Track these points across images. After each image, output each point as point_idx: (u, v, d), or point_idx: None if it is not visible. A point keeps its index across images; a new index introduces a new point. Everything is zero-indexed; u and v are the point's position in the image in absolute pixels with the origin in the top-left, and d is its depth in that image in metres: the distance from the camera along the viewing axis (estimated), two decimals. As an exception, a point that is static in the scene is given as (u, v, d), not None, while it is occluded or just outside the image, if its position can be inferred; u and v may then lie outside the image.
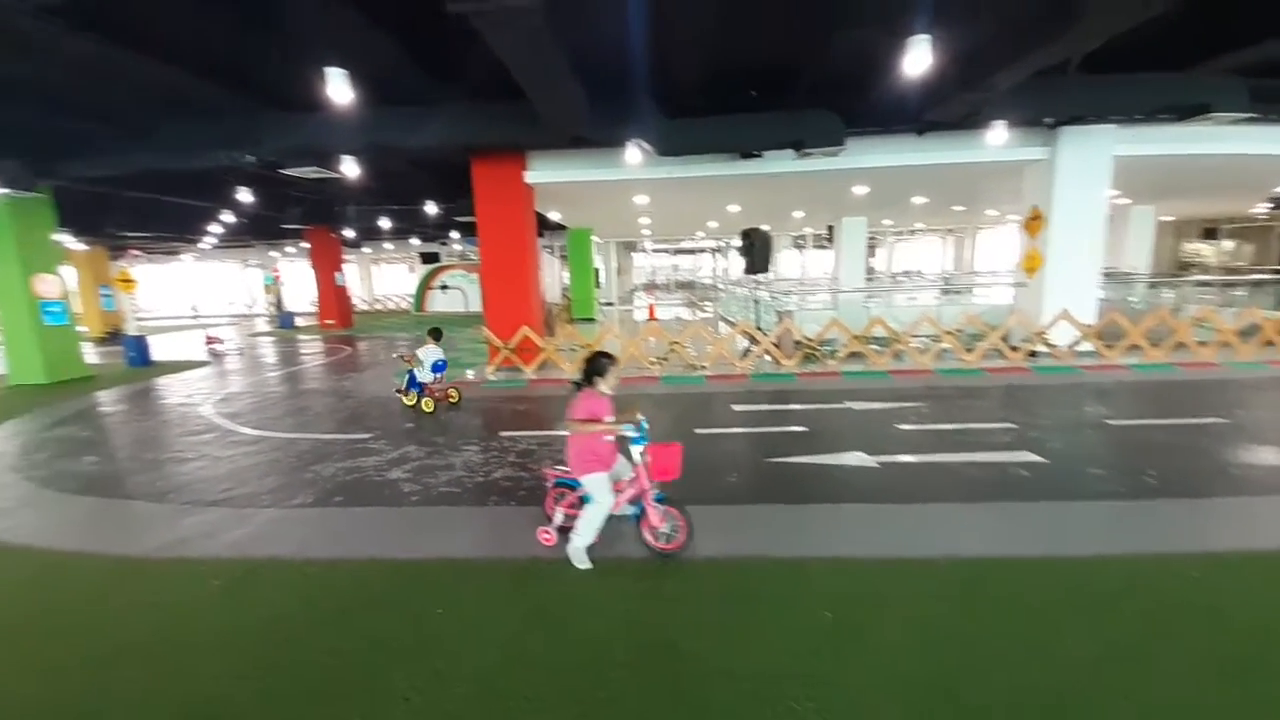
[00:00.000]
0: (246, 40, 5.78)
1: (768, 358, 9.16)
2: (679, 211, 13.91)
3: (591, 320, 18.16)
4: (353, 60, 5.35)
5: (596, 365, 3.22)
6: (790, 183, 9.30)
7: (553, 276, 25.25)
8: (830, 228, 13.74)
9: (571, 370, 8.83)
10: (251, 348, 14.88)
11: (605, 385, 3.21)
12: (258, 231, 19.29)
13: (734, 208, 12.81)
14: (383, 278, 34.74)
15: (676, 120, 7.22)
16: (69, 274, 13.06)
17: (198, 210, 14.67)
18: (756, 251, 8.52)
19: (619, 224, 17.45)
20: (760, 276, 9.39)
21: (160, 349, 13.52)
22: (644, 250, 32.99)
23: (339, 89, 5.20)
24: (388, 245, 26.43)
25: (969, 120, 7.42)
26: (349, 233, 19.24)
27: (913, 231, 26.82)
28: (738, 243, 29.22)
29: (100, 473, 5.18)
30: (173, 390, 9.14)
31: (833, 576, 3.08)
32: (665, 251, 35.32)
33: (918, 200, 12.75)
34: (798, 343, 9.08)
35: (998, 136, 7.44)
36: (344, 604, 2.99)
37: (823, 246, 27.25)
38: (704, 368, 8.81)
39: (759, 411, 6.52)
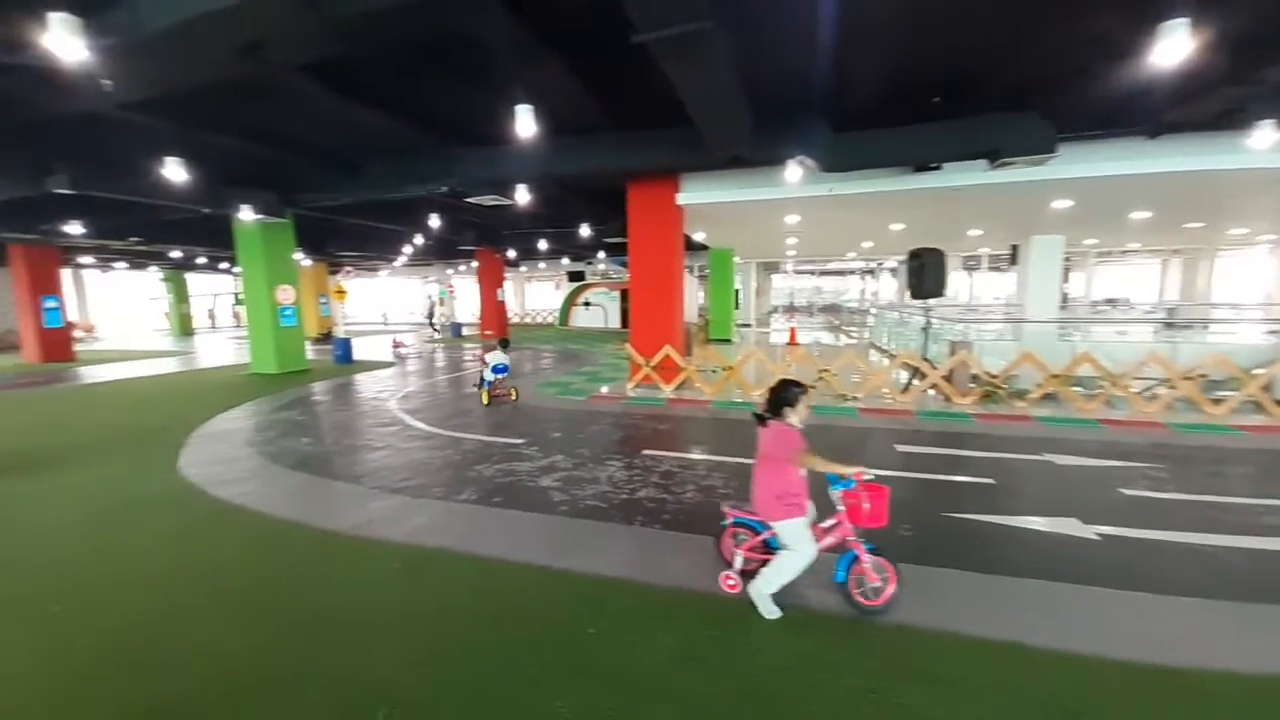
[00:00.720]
0: (448, 88, 6.59)
1: (934, 393, 8.14)
2: (833, 231, 13.15)
3: (728, 341, 17.85)
4: (539, 97, 5.79)
5: (786, 395, 2.88)
6: (973, 197, 8.26)
7: (691, 296, 25.42)
8: (1015, 248, 11.97)
9: (712, 392, 8.64)
10: (427, 353, 16.90)
11: (795, 417, 2.87)
12: (440, 252, 22.13)
13: (897, 226, 11.76)
14: (533, 294, 37.82)
15: (845, 134, 6.77)
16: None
17: (396, 234, 17.18)
18: (928, 273, 7.64)
19: (764, 244, 17.02)
20: (929, 301, 8.41)
21: (360, 350, 15.93)
22: (785, 271, 31.91)
23: (525, 124, 5.66)
24: (541, 264, 28.74)
25: (1225, 120, 6.01)
26: (511, 253, 21.21)
27: (1123, 252, 22.55)
28: (892, 264, 27.24)
29: (312, 453, 6.08)
30: (366, 386, 10.61)
31: (1066, 674, 2.47)
32: (808, 273, 33.81)
33: (1139, 215, 10.61)
34: (975, 378, 7.95)
35: (1265, 139, 5.89)
36: (503, 605, 3.07)
37: (998, 269, 24.11)
38: (855, 399, 8.08)
39: (928, 455, 5.74)
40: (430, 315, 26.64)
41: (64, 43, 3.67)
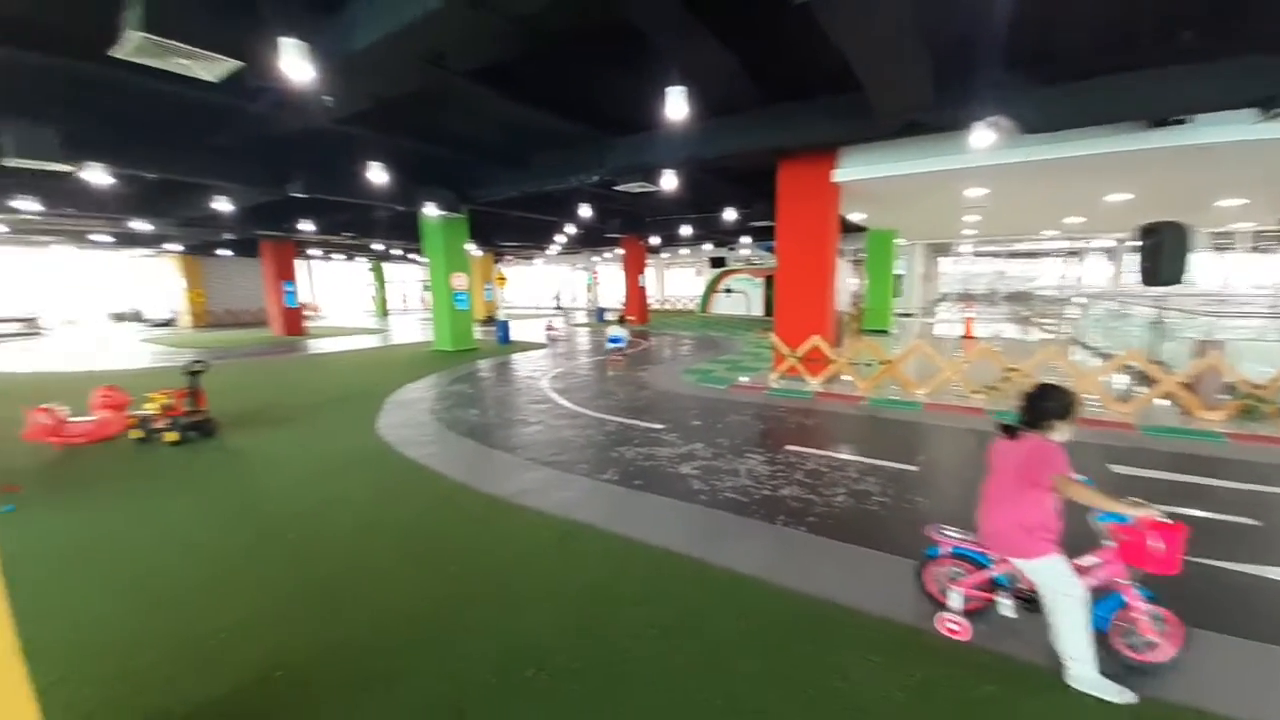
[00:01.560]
0: (603, 78, 6.74)
1: (1168, 404, 6.56)
2: (1029, 205, 11.19)
3: (885, 333, 16.28)
4: (691, 77, 5.66)
5: (1054, 403, 2.27)
6: (1231, 157, 6.42)
7: (843, 283, 23.67)
8: (1292, 221, 9.17)
9: (866, 388, 7.90)
10: (574, 336, 17.92)
11: (1063, 432, 2.28)
12: (587, 240, 23.26)
13: (1117, 197, 9.62)
14: (674, 280, 38.19)
15: (1053, 86, 5.62)
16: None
17: (550, 224, 18.37)
18: (1166, 253, 6.09)
19: (936, 224, 15.13)
20: (1161, 290, 6.75)
21: (517, 332, 17.41)
22: (959, 254, 28.19)
23: (676, 107, 5.57)
24: (683, 250, 28.85)
25: None
26: (654, 239, 21.55)
27: None
28: (1106, 243, 22.44)
29: (478, 423, 6.72)
30: (522, 365, 11.53)
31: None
32: (990, 255, 29.43)
33: None
34: (1229, 388, 6.24)
35: None
36: (645, 587, 3.07)
37: (1263, 249, 18.81)
38: (1050, 405, 6.80)
39: (1157, 481, 4.61)
40: (559, 302, 28.47)
41: (295, 65, 4.35)
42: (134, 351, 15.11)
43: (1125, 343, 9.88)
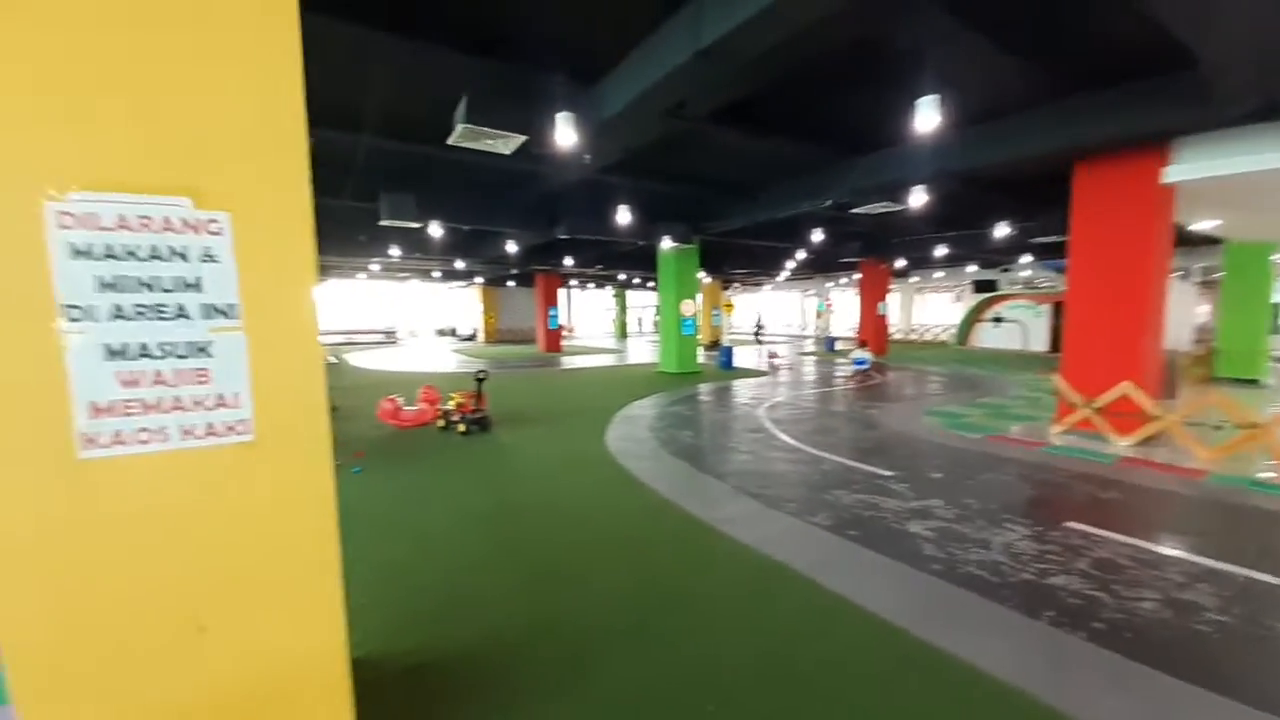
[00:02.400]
0: (840, 97, 6.41)
1: None
2: None
3: (1253, 382, 11.66)
4: (950, 83, 5.01)
5: None
6: None
7: (1181, 312, 17.79)
8: None
9: (1211, 459, 5.73)
10: (799, 364, 17.20)
11: None
12: (819, 265, 22.26)
13: None
14: (924, 307, 33.79)
15: None
16: (697, 300, 18.37)
17: (779, 250, 18.12)
18: None
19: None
20: None
21: (739, 357, 17.49)
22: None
23: (927, 118, 4.97)
24: (938, 273, 25.43)
25: None
26: (899, 262, 19.47)
27: None
28: None
29: (691, 444, 6.88)
30: (741, 392, 11.48)
31: None
32: None
33: None
34: None
35: None
36: (842, 651, 2.66)
37: None
38: None
39: None
40: (757, 330, 27.77)
41: (564, 134, 5.17)
42: (446, 359, 19.73)
43: None
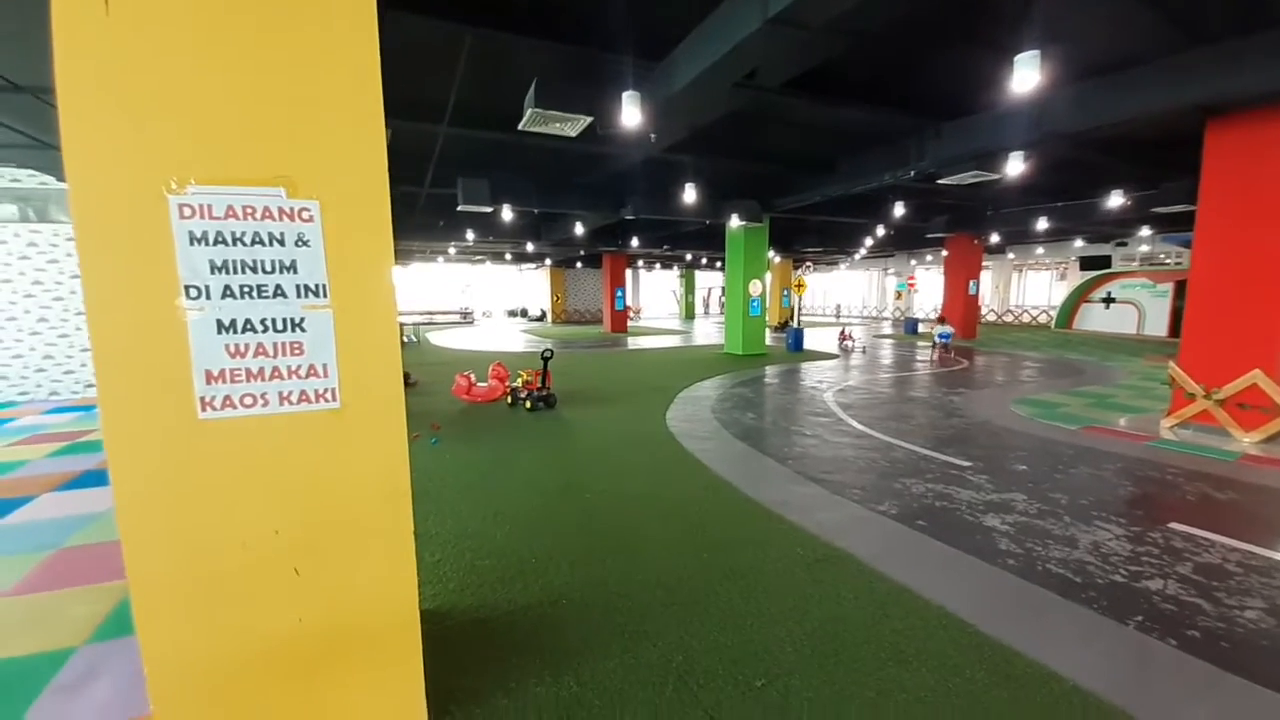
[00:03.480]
0: (925, 59, 5.96)
1: None
2: None
3: None
4: (1057, 35, 4.53)
5: None
6: None
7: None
8: None
9: (1361, 459, 4.96)
10: (874, 347, 16.42)
11: None
12: (901, 242, 20.99)
13: None
14: (1024, 286, 31.05)
15: None
16: (766, 280, 17.93)
17: (857, 226, 17.24)
18: None
19: None
20: None
21: (810, 340, 16.94)
22: None
23: (1027, 76, 4.52)
24: (1039, 249, 23.30)
25: None
26: (994, 237, 17.97)
27: None
28: None
29: (753, 426, 6.81)
30: (810, 375, 11.16)
31: None
32: None
33: None
34: None
35: None
36: (901, 643, 2.60)
37: None
38: None
39: None
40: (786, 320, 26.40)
41: (630, 114, 5.17)
42: (516, 338, 20.51)
43: None
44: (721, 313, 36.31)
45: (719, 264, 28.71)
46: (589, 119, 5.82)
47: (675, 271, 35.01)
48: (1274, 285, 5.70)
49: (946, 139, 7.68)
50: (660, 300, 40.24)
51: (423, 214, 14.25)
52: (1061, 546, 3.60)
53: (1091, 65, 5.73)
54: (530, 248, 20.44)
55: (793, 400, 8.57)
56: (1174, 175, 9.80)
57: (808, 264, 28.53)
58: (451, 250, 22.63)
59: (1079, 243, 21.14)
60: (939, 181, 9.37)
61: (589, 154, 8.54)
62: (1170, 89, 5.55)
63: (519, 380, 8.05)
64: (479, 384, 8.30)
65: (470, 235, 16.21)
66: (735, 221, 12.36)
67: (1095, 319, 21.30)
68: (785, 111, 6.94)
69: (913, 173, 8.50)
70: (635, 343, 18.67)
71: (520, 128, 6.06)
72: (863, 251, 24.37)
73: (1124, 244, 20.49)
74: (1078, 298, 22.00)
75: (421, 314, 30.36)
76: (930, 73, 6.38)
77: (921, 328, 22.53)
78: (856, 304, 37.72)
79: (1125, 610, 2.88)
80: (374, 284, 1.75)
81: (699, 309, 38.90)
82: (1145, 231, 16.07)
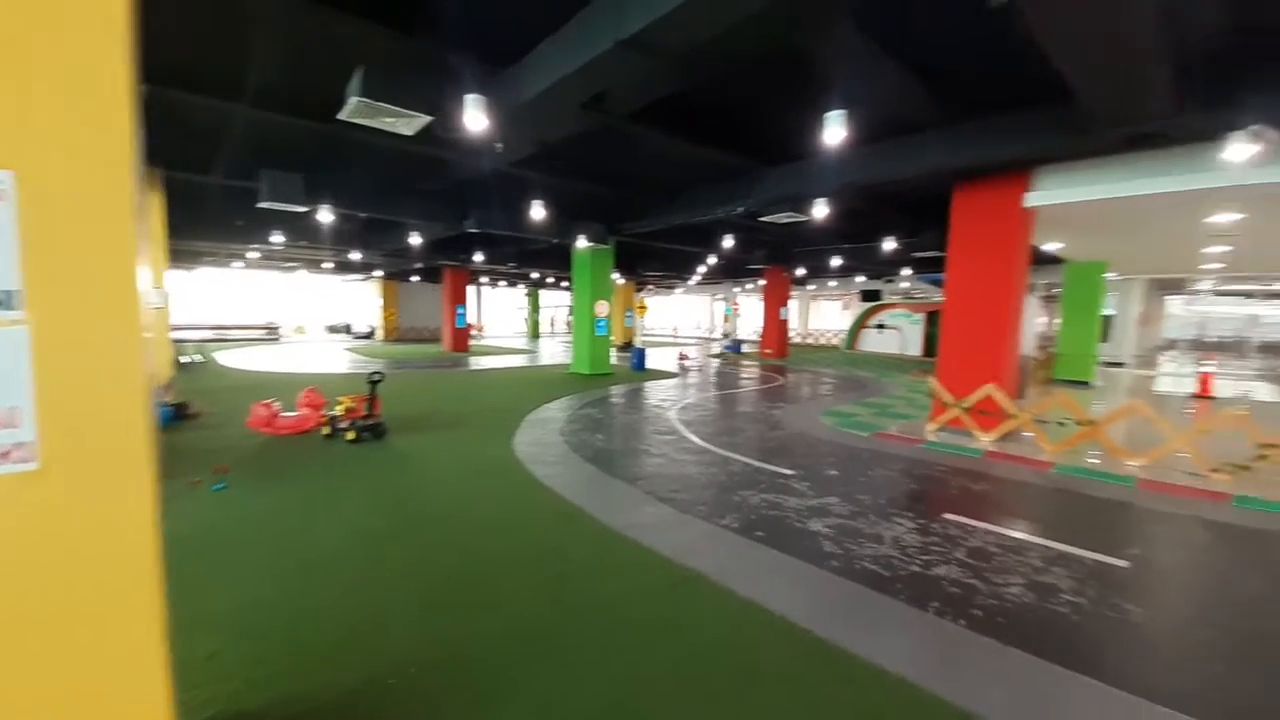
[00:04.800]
0: (760, 106, 6.60)
1: None
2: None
3: (1085, 384, 13.58)
4: (857, 100, 5.28)
5: None
6: None
7: (1031, 323, 20.41)
8: None
9: (1056, 453, 6.53)
10: (708, 367, 17.69)
11: None
12: (729, 270, 23.09)
13: None
14: (818, 314, 36.23)
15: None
16: (612, 301, 18.29)
17: (692, 254, 18.55)
18: None
19: (1162, 256, 12.35)
20: None
21: (652, 359, 17.67)
22: (1192, 293, 22.82)
23: (834, 132, 5.21)
24: (832, 283, 27.30)
25: None
26: (799, 270, 20.66)
27: None
28: None
29: (602, 448, 6.76)
30: (653, 393, 11.56)
31: None
32: (1238, 295, 23.34)
33: None
34: None
35: None
36: (756, 659, 2.66)
37: None
38: (1350, 502, 4.96)
39: None
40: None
41: (474, 118, 4.85)
42: (337, 359, 18.13)
43: None
44: (568, 332, 36.36)
45: (565, 284, 28.75)
46: (427, 118, 5.34)
47: (522, 289, 34.19)
48: (1000, 319, 7.35)
49: (770, 181, 8.62)
50: (506, 318, 38.95)
51: (216, 209, 11.90)
52: (871, 543, 4.09)
53: (882, 129, 6.81)
54: (357, 257, 18.24)
55: (639, 419, 8.75)
56: (930, 226, 12.21)
57: (649, 287, 29.96)
58: (254, 254, 19.26)
59: (860, 278, 25.38)
60: (760, 219, 10.48)
61: (431, 158, 7.87)
62: (933, 155, 6.82)
63: (339, 407, 7.01)
64: (286, 413, 7.04)
65: (279, 238, 13.95)
66: (582, 242, 12.44)
67: (873, 341, 25.74)
68: (634, 139, 7.15)
69: (741, 209, 9.35)
70: (479, 363, 17.68)
71: (342, 117, 5.33)
72: (697, 277, 26.34)
73: (891, 280, 25.12)
74: (859, 324, 26.41)
75: (211, 329, 25.28)
76: (762, 120, 7.06)
77: (745, 348, 24.95)
78: (692, 325, 40.57)
79: (924, 597, 3.33)
80: (104, 291, 1.27)
81: (545, 328, 38.47)
82: (907, 271, 19.89)
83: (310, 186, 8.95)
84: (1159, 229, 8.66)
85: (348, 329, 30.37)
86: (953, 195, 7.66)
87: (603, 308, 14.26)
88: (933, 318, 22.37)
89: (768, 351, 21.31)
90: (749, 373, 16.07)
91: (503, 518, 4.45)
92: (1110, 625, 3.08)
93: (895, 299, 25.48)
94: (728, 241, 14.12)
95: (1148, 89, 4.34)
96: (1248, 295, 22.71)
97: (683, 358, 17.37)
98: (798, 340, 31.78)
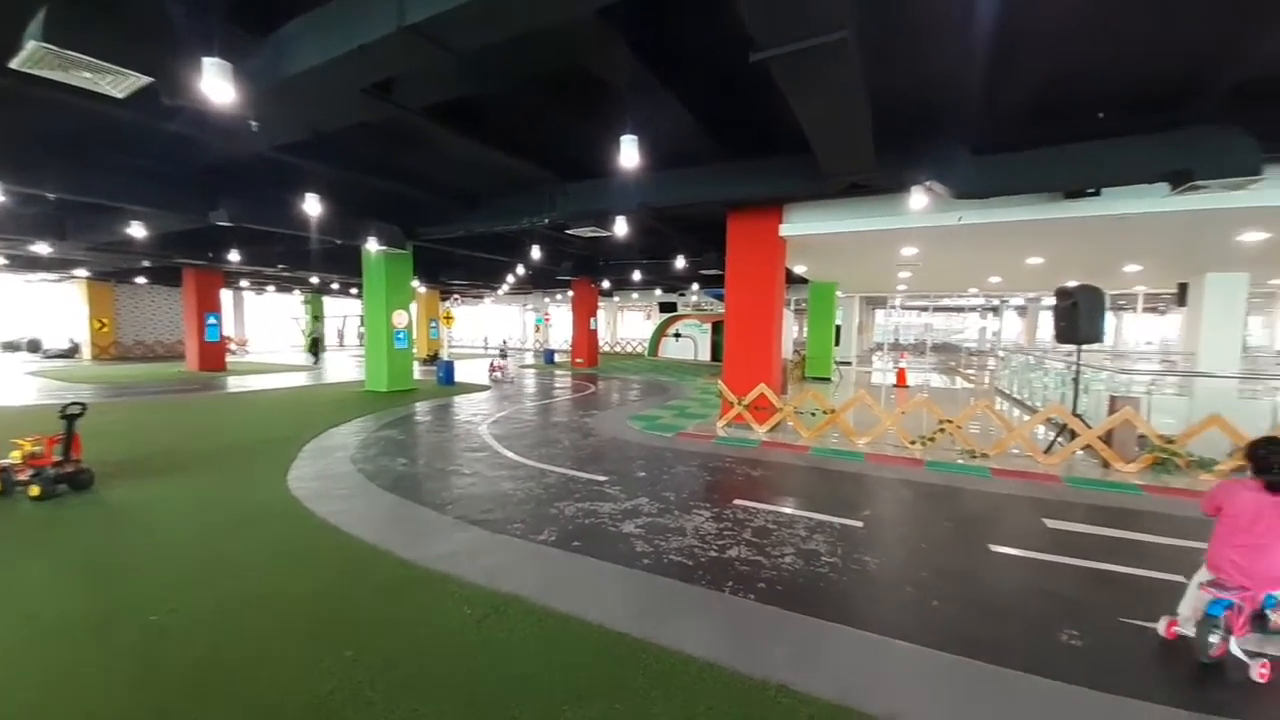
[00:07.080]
0: (560, 121, 6.74)
1: (1082, 454, 6.88)
2: (956, 265, 11.93)
3: (826, 380, 16.74)
4: (647, 128, 5.71)
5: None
6: (1139, 227, 7.01)
7: (787, 331, 24.46)
8: (1182, 286, 10.12)
9: (810, 438, 7.92)
10: (521, 377, 17.42)
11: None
12: (538, 281, 23.08)
13: (1034, 260, 10.41)
14: (625, 323, 38.40)
15: (986, 156, 6.03)
16: (412, 310, 16.94)
17: (501, 264, 18.12)
18: (1082, 315, 6.51)
19: (872, 279, 15.89)
20: (1073, 345, 7.16)
21: (462, 372, 16.74)
22: (891, 307, 29.84)
23: (629, 155, 5.58)
24: (634, 295, 29.14)
25: None
26: (605, 283, 21.62)
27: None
28: (1019, 302, 24.55)
29: (405, 474, 6.19)
30: (463, 408, 10.97)
31: None
32: (918, 309, 31.32)
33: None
34: (1141, 440, 6.62)
35: None
36: (577, 678, 2.70)
37: (1157, 310, 20.90)
38: (984, 456, 6.99)
39: (1087, 536, 4.70)
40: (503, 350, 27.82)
41: (215, 86, 4.04)
42: (16, 387, 13.43)
43: (1042, 394, 10.51)
44: (361, 345, 32.37)
45: (355, 290, 25.53)
46: (145, 79, 4.29)
47: (298, 296, 29.31)
48: (767, 327, 8.68)
49: (574, 196, 8.87)
50: (279, 330, 33.07)
51: None
52: (676, 537, 4.47)
53: (670, 158, 7.52)
54: (46, 250, 13.62)
55: (447, 437, 8.22)
56: (711, 247, 13.85)
57: (455, 296, 28.34)
58: None
59: (659, 291, 27.67)
60: (567, 232, 10.73)
61: (165, 133, 6.26)
62: (711, 187, 7.79)
63: (15, 454, 5.20)
64: (-88, 470, 4.98)
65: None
66: (375, 245, 11.24)
67: (672, 349, 28.25)
68: (431, 138, 6.70)
69: (546, 220, 9.45)
70: (242, 384, 14.69)
71: (16, 66, 4.01)
72: (506, 287, 25.75)
73: (684, 294, 27.90)
74: (660, 333, 28.77)
75: None
76: (565, 135, 7.23)
77: (557, 357, 25.19)
78: (502, 336, 39.46)
79: (722, 579, 3.76)
80: None
81: (332, 340, 33.68)
82: (695, 286, 22.34)
83: (-44, 154, 6.48)
84: (869, 257, 11.17)
85: (33, 346, 22.72)
86: (728, 222, 8.84)
87: (401, 318, 13.06)
88: (717, 327, 25.41)
89: (579, 360, 21.83)
90: (562, 382, 16.25)
91: (268, 580, 3.70)
92: (856, 578, 3.85)
93: (689, 310, 28.32)
94: (536, 252, 14.12)
95: (859, 149, 5.58)
96: (924, 309, 30.65)
97: (494, 369, 16.80)
98: (607, 349, 33.16)
